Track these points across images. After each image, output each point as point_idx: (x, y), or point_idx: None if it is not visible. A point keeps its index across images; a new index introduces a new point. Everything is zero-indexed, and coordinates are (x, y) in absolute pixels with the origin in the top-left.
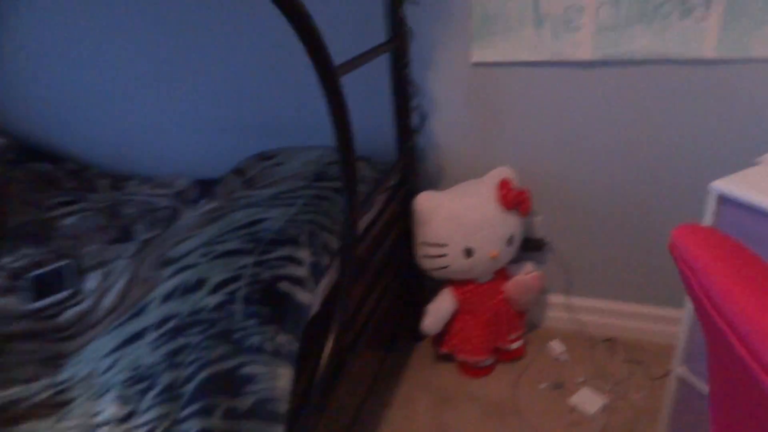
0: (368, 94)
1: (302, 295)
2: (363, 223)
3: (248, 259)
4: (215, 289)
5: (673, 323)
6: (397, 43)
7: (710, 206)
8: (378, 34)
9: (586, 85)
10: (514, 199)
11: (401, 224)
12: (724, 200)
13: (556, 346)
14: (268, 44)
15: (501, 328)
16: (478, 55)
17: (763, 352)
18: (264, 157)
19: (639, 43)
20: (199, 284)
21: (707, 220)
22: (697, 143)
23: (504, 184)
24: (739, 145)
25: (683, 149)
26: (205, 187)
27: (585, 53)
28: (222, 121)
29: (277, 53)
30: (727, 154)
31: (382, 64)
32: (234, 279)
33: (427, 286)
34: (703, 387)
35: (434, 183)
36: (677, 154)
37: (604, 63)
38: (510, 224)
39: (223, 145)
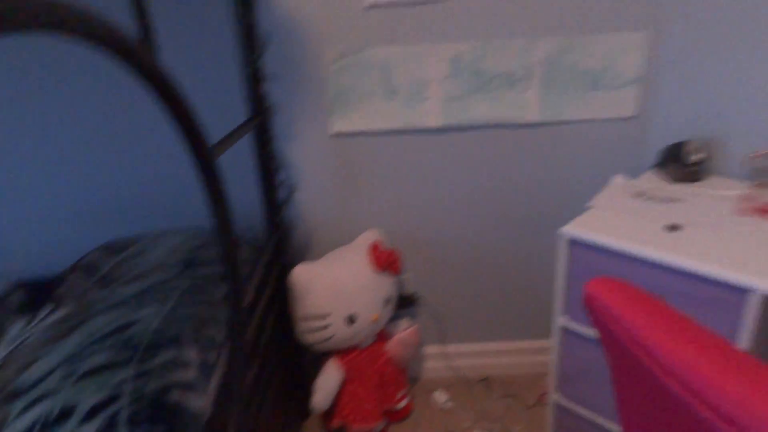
0: (230, 170)
1: (195, 402)
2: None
3: (126, 372)
4: (89, 416)
5: (538, 353)
6: (261, 120)
7: (563, 249)
8: (236, 111)
9: (436, 148)
10: (385, 261)
11: (278, 302)
12: (573, 243)
13: (440, 396)
14: (107, 114)
15: (389, 390)
16: (337, 126)
17: (714, 399)
18: (115, 248)
19: (478, 111)
20: (65, 414)
21: (562, 261)
22: (534, 193)
23: (374, 248)
24: (568, 192)
25: (524, 199)
26: (35, 290)
27: (434, 121)
28: (52, 204)
29: (116, 125)
30: (560, 200)
31: (242, 141)
32: (112, 399)
33: (307, 361)
34: (578, 409)
35: (306, 254)
36: (520, 204)
37: (451, 128)
38: (385, 285)
39: (56, 236)
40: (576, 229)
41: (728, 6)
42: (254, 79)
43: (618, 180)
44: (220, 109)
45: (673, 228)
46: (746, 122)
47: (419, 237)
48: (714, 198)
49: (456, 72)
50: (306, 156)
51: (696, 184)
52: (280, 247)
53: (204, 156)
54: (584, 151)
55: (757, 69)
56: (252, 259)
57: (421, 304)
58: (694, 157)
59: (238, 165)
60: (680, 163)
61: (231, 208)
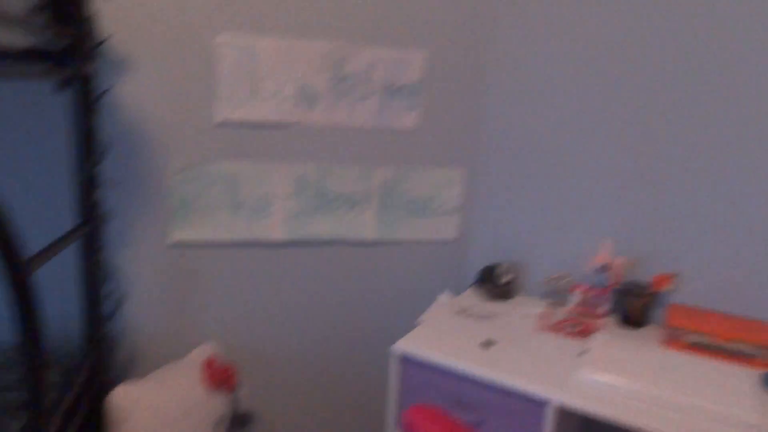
0: (45, 277)
1: None
2: None
3: None
4: None
5: None
6: (91, 228)
7: (394, 366)
8: (64, 217)
9: (278, 262)
10: (219, 378)
11: (93, 430)
12: (405, 359)
13: None
14: None
15: None
16: (177, 235)
17: None
18: None
19: (320, 228)
20: None
21: (394, 376)
22: (371, 308)
23: (209, 364)
24: (401, 307)
25: (361, 314)
26: None
27: (277, 235)
28: None
29: None
30: (393, 315)
31: (68, 248)
32: None
33: None
34: None
35: (131, 372)
36: (357, 319)
37: (293, 243)
38: (217, 405)
39: None
40: (407, 345)
41: (530, 150)
42: (88, 186)
43: (443, 298)
44: (47, 216)
45: (487, 344)
46: (545, 248)
47: (258, 351)
48: (520, 316)
49: (300, 190)
50: (141, 266)
51: (507, 301)
52: (100, 365)
53: (17, 270)
54: (415, 269)
55: (552, 203)
56: (62, 382)
57: (255, 422)
58: (504, 279)
59: (56, 272)
60: (493, 284)
61: (43, 325)
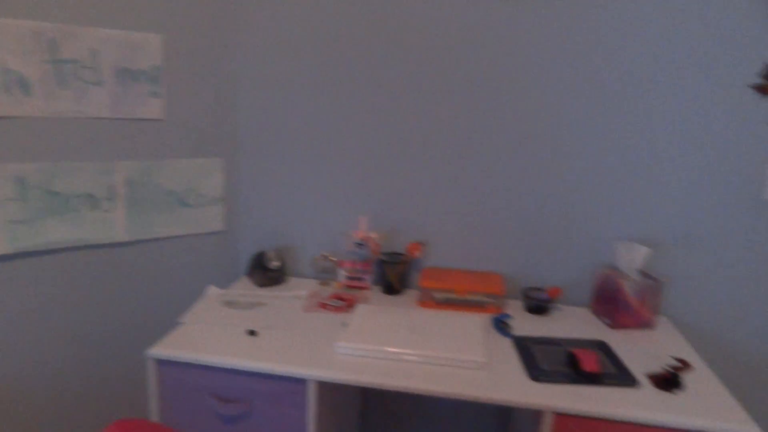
0: None
1: None
2: None
3: None
4: None
5: None
6: None
7: (151, 371)
8: None
9: (4, 279)
10: None
11: None
12: (161, 363)
13: None
14: None
15: None
16: None
17: None
18: None
19: (56, 234)
20: None
21: (152, 382)
22: (131, 314)
23: None
24: (167, 307)
25: (120, 322)
26: None
27: None
28: None
29: None
30: (159, 316)
31: None
32: None
33: None
34: None
35: None
36: (115, 328)
37: (23, 255)
38: None
39: None
40: (163, 349)
41: (285, 137)
42: None
43: (211, 291)
44: None
45: (252, 333)
46: (309, 231)
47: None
48: (290, 299)
49: (22, 193)
50: None
51: (277, 287)
52: None
53: None
54: (180, 265)
55: (312, 188)
56: None
57: None
58: (273, 264)
59: None
60: (263, 270)
61: None
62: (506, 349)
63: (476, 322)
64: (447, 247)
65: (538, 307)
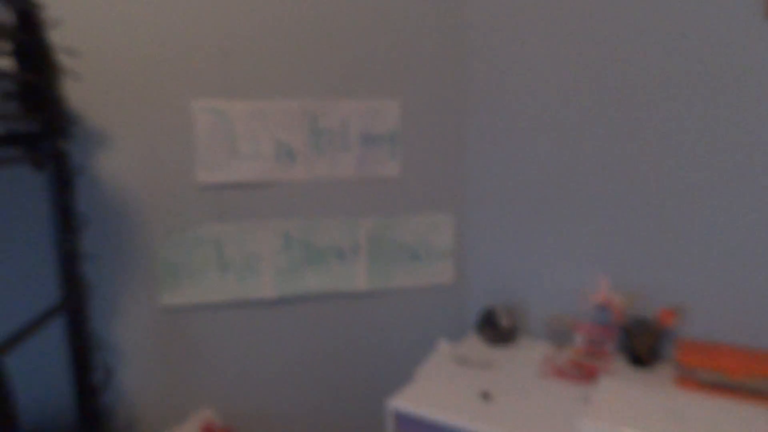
0: (30, 356)
1: None
2: None
3: None
4: None
5: None
6: (74, 303)
7: (390, 422)
8: (46, 290)
9: (271, 320)
10: None
11: None
12: (399, 416)
13: None
14: None
15: None
16: (166, 299)
17: None
18: None
19: (311, 282)
20: None
21: None
22: (367, 360)
23: (207, 429)
24: (398, 357)
25: (358, 367)
26: None
27: (268, 292)
28: None
29: None
30: (391, 365)
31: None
32: None
33: None
34: None
35: None
36: (354, 372)
37: (285, 300)
38: None
39: None
40: (402, 401)
41: (517, 189)
42: (68, 260)
43: (442, 345)
44: (28, 293)
45: (486, 396)
46: (543, 287)
47: (255, 413)
48: (522, 361)
49: (287, 246)
50: (131, 333)
51: (507, 346)
52: None
53: None
54: (411, 316)
55: (546, 241)
56: None
57: None
58: (503, 322)
59: (45, 347)
60: (493, 327)
61: (16, 406)
62: None
63: (761, 418)
64: (711, 315)
65: None
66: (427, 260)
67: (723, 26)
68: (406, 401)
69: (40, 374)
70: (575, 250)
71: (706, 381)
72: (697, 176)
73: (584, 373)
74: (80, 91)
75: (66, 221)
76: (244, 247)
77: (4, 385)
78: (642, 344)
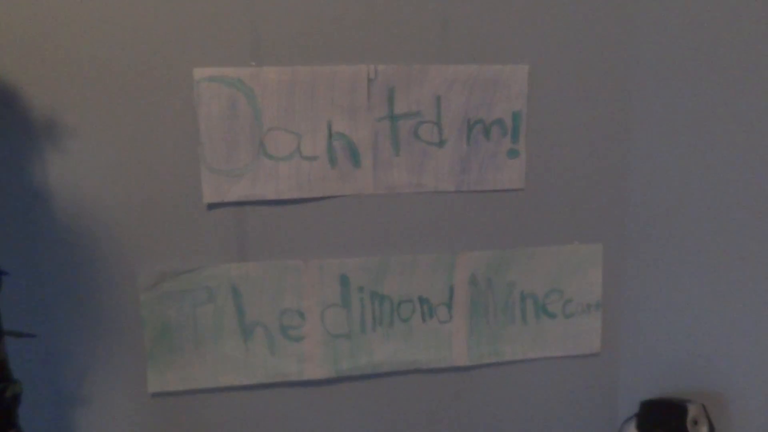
0: None
1: None
2: None
3: None
4: None
5: None
6: None
7: None
8: None
9: (319, 409)
10: None
11: None
12: None
13: None
14: None
15: None
16: (158, 383)
17: None
18: None
19: (381, 354)
20: None
21: None
22: None
23: None
24: None
25: None
26: None
27: (315, 370)
28: None
29: None
30: None
31: None
32: None
33: None
34: None
35: None
36: None
37: (341, 380)
38: None
39: None
40: None
41: (705, 212)
42: None
43: None
44: None
45: None
46: (758, 369)
47: None
48: None
49: (345, 298)
50: (115, 425)
51: None
52: None
53: None
54: (537, 405)
55: (758, 293)
56: None
57: None
58: (697, 427)
59: None
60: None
61: None
62: None
63: None
64: None
65: None
66: (560, 318)
67: None
68: None
69: None
70: None
71: None
72: None
73: None
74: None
75: None
76: (276, 301)
77: None
78: None
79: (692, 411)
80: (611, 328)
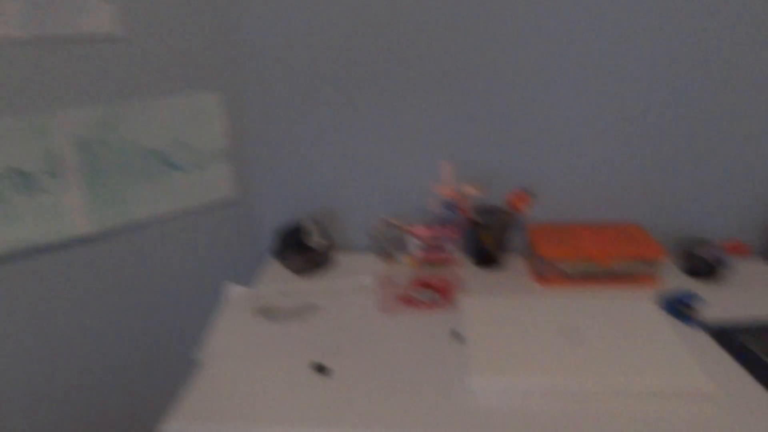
0: None
1: None
2: None
3: None
4: None
5: None
6: None
7: None
8: None
9: None
10: None
11: None
12: None
13: None
14: None
15: None
16: None
17: None
18: None
19: None
20: None
21: None
22: (122, 340)
23: None
24: (166, 320)
25: (116, 350)
26: None
27: None
28: None
29: None
30: (161, 336)
31: None
32: None
33: None
34: None
35: None
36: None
37: None
38: None
39: None
40: (183, 417)
41: (320, 53)
42: None
43: (233, 292)
44: None
45: (321, 369)
46: (359, 188)
47: None
48: (352, 292)
49: None
50: None
51: (324, 273)
52: None
53: None
54: (175, 256)
55: (364, 127)
56: None
57: None
58: (314, 241)
59: None
60: (300, 250)
61: None
62: (708, 349)
63: (647, 310)
64: (552, 193)
65: (707, 268)
66: (188, 168)
67: None
68: (193, 411)
69: None
70: (403, 137)
71: (568, 273)
72: (530, 53)
73: (439, 295)
74: None
75: None
76: None
77: None
78: (491, 238)
79: (306, 226)
80: (243, 173)
